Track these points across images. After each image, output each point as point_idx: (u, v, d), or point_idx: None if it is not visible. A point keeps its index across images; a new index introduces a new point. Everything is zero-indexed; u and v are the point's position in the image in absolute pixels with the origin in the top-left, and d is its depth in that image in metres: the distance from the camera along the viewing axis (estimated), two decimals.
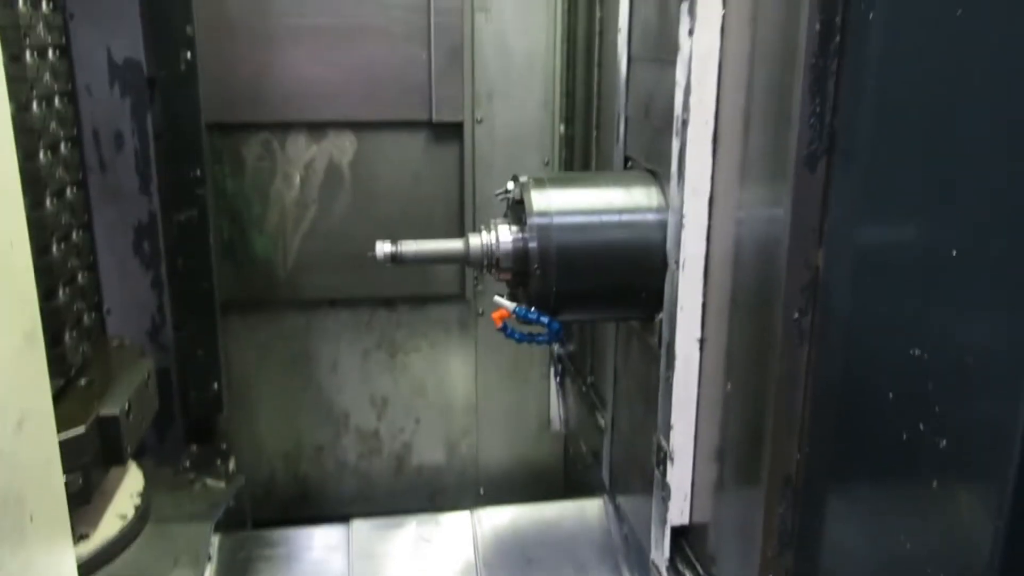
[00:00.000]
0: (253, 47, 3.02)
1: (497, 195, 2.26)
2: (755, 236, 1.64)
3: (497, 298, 2.16)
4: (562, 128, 3.25)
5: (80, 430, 2.17)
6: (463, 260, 2.14)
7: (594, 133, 2.85)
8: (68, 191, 2.43)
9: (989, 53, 1.00)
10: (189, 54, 2.87)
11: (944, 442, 1.05)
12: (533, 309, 2.07)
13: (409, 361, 3.54)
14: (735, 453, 1.77)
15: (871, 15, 1.23)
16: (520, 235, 2.06)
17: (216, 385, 3.19)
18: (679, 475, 1.93)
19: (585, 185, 2.21)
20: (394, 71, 3.08)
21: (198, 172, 3.00)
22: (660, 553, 2.02)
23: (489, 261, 2.10)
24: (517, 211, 2.12)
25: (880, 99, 1.23)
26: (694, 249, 1.83)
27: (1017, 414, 0.94)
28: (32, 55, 2.19)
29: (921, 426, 1.09)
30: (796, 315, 1.40)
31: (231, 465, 3.10)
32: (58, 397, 2.25)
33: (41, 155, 2.22)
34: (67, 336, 2.35)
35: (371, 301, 3.43)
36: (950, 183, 1.07)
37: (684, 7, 1.76)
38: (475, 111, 3.19)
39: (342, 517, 3.00)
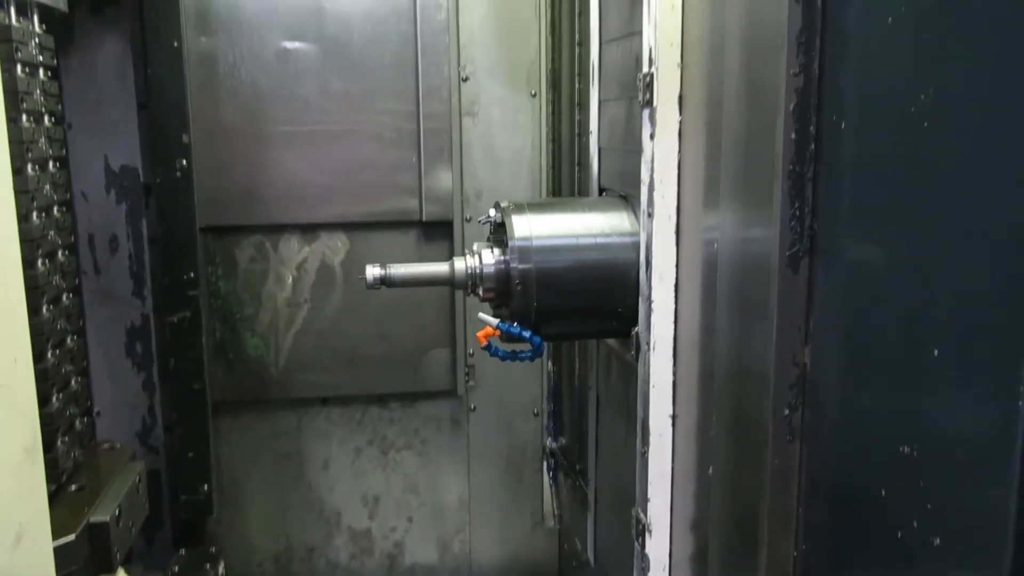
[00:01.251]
0: (247, 152, 3.09)
1: (481, 221, 2.35)
2: (724, 320, 1.68)
3: (481, 315, 2.24)
4: None
5: (70, 538, 2.14)
6: (449, 282, 2.23)
7: None
8: (64, 297, 2.45)
9: (955, 160, 1.05)
10: (185, 161, 2.95)
11: (938, 540, 1.06)
12: (515, 324, 2.15)
13: (401, 458, 3.52)
14: (724, 546, 1.76)
15: (843, 124, 1.29)
16: (502, 257, 2.17)
17: (206, 487, 3.16)
18: (657, 547, 2.00)
19: (562, 210, 2.33)
20: (385, 173, 3.16)
21: (192, 274, 3.04)
22: None
23: (473, 282, 2.20)
24: (499, 235, 2.23)
25: (856, 201, 1.28)
26: (663, 332, 1.95)
27: (1008, 511, 0.96)
28: (34, 167, 2.24)
29: (915, 523, 1.10)
30: (786, 412, 1.41)
31: (220, 569, 3.04)
32: (49, 502, 2.22)
33: (39, 264, 2.24)
34: (59, 442, 2.34)
35: (363, 398, 3.43)
36: (929, 283, 1.10)
37: (645, 113, 1.91)
38: (464, 210, 3.25)
39: None
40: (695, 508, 1.92)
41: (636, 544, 2.08)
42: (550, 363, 3.40)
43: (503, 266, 2.17)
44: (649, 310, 1.96)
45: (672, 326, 1.96)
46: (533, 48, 3.25)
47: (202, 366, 3.11)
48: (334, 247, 3.24)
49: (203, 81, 3.01)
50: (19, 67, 2.18)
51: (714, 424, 1.81)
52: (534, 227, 2.17)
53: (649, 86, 1.94)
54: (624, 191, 2.28)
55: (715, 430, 1.81)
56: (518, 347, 2.21)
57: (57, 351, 2.36)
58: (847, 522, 1.30)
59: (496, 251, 2.20)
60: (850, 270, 1.30)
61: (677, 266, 1.95)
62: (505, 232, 2.17)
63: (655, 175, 1.91)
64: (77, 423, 2.51)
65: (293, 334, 3.28)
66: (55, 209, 2.40)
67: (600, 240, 2.19)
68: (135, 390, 3.12)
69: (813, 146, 1.35)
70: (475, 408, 3.47)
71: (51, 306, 2.33)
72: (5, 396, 1.23)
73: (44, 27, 2.38)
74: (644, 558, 2.02)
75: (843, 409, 1.32)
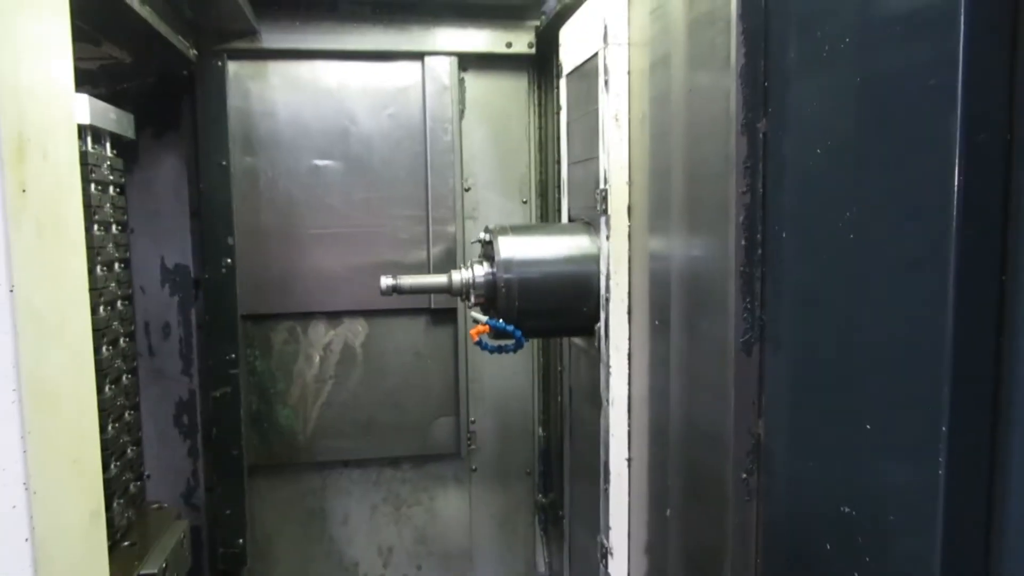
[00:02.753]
0: (282, 251, 3.13)
1: (474, 243, 2.56)
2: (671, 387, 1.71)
3: (473, 313, 2.39)
4: None
5: None
6: (448, 290, 2.39)
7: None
8: (124, 377, 2.45)
9: (877, 265, 1.09)
10: (229, 259, 2.99)
11: None
12: (502, 320, 2.30)
13: (412, 513, 3.47)
14: None
15: (784, 234, 1.33)
16: (490, 270, 2.33)
17: (242, 540, 3.11)
18: (617, 567, 2.14)
19: (539, 233, 2.51)
20: (399, 269, 3.19)
21: (233, 355, 3.05)
22: None
23: (467, 291, 2.36)
24: (488, 251, 2.39)
25: (797, 296, 1.32)
26: (619, 392, 2.16)
27: (934, 562, 0.97)
28: (102, 268, 2.27)
29: (855, 575, 1.10)
30: (744, 475, 1.43)
31: None
32: None
33: (104, 349, 2.26)
34: (115, 503, 2.32)
35: (379, 461, 3.40)
36: (860, 367, 1.13)
37: (603, 220, 2.15)
38: None
39: None
40: (647, 535, 2.06)
41: (601, 565, 2.20)
42: (540, 428, 3.40)
43: (491, 277, 2.32)
44: (608, 372, 2.18)
45: (626, 387, 2.16)
46: (524, 164, 3.33)
47: (240, 434, 3.10)
48: (355, 331, 3.26)
49: (246, 192, 3.08)
50: (93, 185, 2.24)
51: (669, 474, 1.88)
52: (516, 245, 2.33)
53: (605, 199, 2.16)
54: (588, 218, 2.46)
55: (671, 480, 1.87)
56: (503, 343, 2.37)
57: (116, 424, 2.36)
58: (799, 573, 1.30)
59: (485, 265, 2.35)
60: (795, 354, 1.33)
61: (629, 338, 2.15)
62: (493, 249, 2.33)
63: (611, 266, 2.16)
64: (131, 487, 2.49)
65: (319, 406, 3.27)
66: (119, 302, 2.43)
67: (567, 255, 2.37)
68: (181, 455, 3.10)
69: (760, 251, 1.39)
70: (476, 468, 3.44)
71: (112, 385, 2.34)
72: (77, 469, 1.24)
73: (115, 151, 2.44)
74: None
75: (792, 473, 1.34)
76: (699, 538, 1.68)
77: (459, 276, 2.36)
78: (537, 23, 3.08)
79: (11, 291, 0.98)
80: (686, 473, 1.78)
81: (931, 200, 0.98)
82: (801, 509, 1.30)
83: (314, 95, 3.11)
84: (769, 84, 1.36)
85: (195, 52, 2.87)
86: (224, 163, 2.97)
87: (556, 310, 2.36)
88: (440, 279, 2.40)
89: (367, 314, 3.24)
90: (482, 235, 2.44)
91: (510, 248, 2.33)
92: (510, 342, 2.34)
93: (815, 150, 1.22)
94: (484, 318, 2.33)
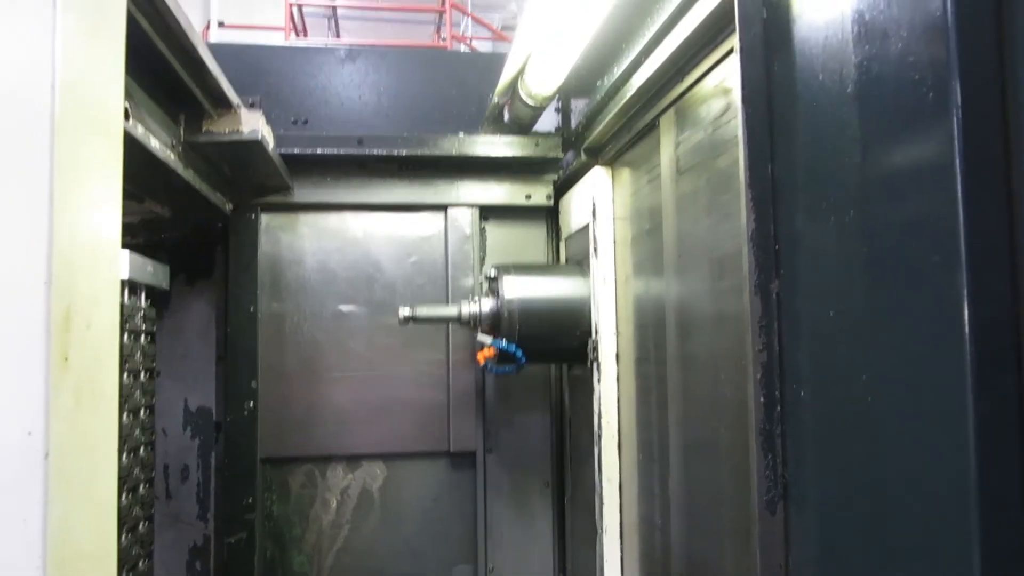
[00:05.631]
0: (304, 394, 3.15)
1: (481, 280, 3.00)
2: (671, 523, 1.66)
3: (480, 335, 2.72)
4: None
5: None
6: (459, 320, 2.76)
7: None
8: (141, 525, 2.42)
9: (895, 426, 1.08)
10: (252, 403, 3.01)
11: None
12: (505, 342, 2.65)
13: None
14: None
15: (802, 392, 1.34)
16: (496, 304, 2.72)
17: None
18: None
19: (540, 273, 2.85)
20: (419, 412, 3.20)
21: (250, 500, 3.01)
22: None
23: (475, 320, 2.74)
24: (493, 287, 2.77)
25: (819, 454, 1.31)
26: (611, 520, 2.51)
27: None
28: (127, 415, 2.29)
29: None
30: None
31: None
32: None
33: (123, 497, 2.24)
34: None
35: None
36: (887, 528, 1.11)
37: (593, 366, 2.59)
38: (486, 442, 3.26)
39: None
40: None
41: None
42: (560, 574, 3.29)
43: (496, 309, 2.71)
44: (602, 498, 2.54)
45: (618, 516, 2.48)
46: None
47: None
48: (373, 474, 3.22)
49: (271, 336, 3.13)
50: (126, 335, 2.29)
51: None
52: (518, 283, 2.74)
53: (595, 348, 2.56)
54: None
55: None
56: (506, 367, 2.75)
57: (131, 575, 2.30)
58: None
59: (491, 298, 2.74)
60: (820, 511, 1.30)
61: (620, 471, 2.48)
62: (498, 285, 2.71)
63: (601, 406, 2.53)
64: None
65: (335, 552, 3.19)
66: (141, 449, 2.43)
67: (562, 288, 2.76)
68: None
69: (779, 408, 1.39)
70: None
71: (129, 534, 2.30)
72: None
73: (148, 301, 2.52)
74: None
75: None
76: None
77: (467, 308, 2.75)
78: (555, 177, 3.22)
79: (45, 458, 1.00)
80: None
81: (942, 362, 0.99)
82: None
83: (341, 244, 3.22)
84: (780, 247, 1.40)
85: (231, 206, 3.01)
86: (252, 309, 3.05)
87: (552, 334, 2.71)
88: (451, 310, 2.78)
89: (386, 457, 3.22)
90: (490, 272, 2.80)
91: (513, 283, 2.73)
92: (512, 365, 2.69)
93: (828, 312, 1.25)
94: (490, 340, 2.66)
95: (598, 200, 2.62)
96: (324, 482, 3.21)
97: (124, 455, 2.27)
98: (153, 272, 2.48)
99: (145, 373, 2.47)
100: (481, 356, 2.68)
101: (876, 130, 1.15)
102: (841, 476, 1.24)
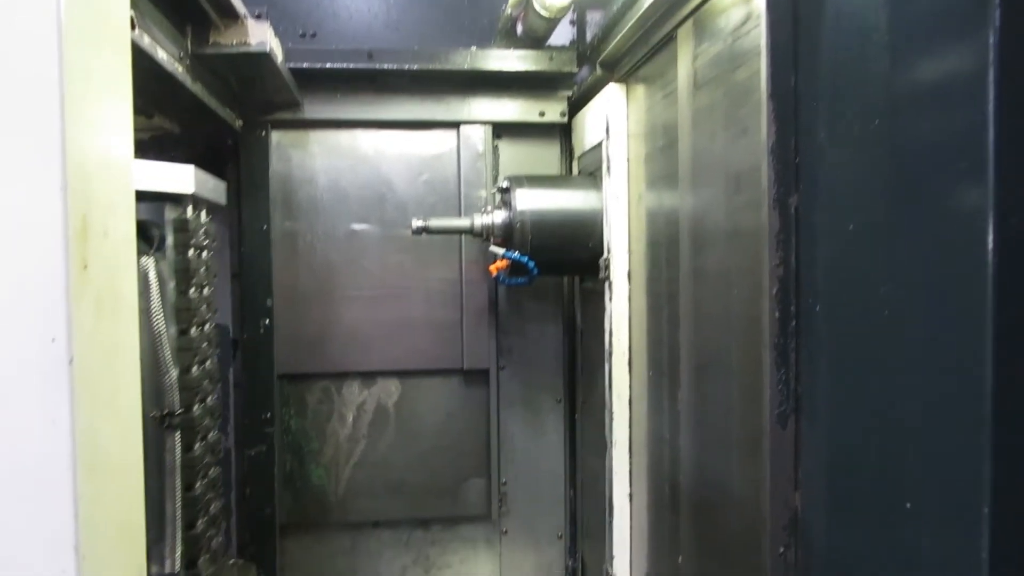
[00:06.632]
0: (318, 313, 3.18)
1: (493, 192, 2.96)
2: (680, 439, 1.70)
3: (492, 247, 2.74)
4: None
5: None
6: (471, 231, 2.79)
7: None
8: (210, 435, 2.44)
9: (912, 341, 1.08)
10: (267, 320, 3.04)
11: None
12: (518, 253, 2.67)
13: None
14: None
15: (817, 307, 1.33)
16: (508, 215, 2.73)
17: None
18: None
19: (552, 185, 2.85)
20: (433, 329, 3.23)
21: (269, 414, 3.08)
22: None
23: (487, 232, 2.75)
24: (506, 198, 2.77)
25: (832, 369, 1.31)
26: (621, 435, 2.60)
27: None
28: (196, 329, 2.27)
29: None
30: (781, 550, 1.40)
31: None
32: None
33: (196, 408, 2.26)
34: (201, 560, 2.31)
35: (409, 522, 3.38)
36: (899, 441, 1.12)
37: (606, 284, 2.61)
38: (499, 360, 3.29)
39: None
40: (647, 564, 2.43)
41: None
42: (571, 490, 3.36)
43: (508, 220, 2.72)
44: (611, 419, 2.60)
45: (628, 431, 2.54)
46: None
47: (274, 493, 3.11)
48: (388, 391, 3.28)
49: (285, 255, 3.14)
50: (191, 251, 2.25)
51: (682, 524, 2.09)
52: (529, 195, 2.74)
53: (608, 266, 2.59)
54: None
55: (682, 529, 2.09)
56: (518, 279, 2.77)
57: (203, 480, 2.34)
58: None
59: (503, 210, 2.75)
60: (831, 426, 1.32)
61: (630, 387, 2.55)
62: (510, 196, 2.72)
63: (612, 324, 2.58)
64: (214, 542, 2.46)
65: (351, 466, 3.27)
66: (208, 362, 2.43)
67: (574, 200, 2.77)
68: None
69: (794, 323, 1.39)
70: (507, 531, 3.40)
71: (202, 440, 2.32)
72: (123, 535, 1.25)
73: (209, 217, 2.43)
74: None
75: (830, 547, 1.31)
76: None
77: (480, 219, 2.77)
78: (570, 93, 3.15)
79: (70, 363, 1.01)
80: (701, 526, 1.90)
81: (964, 276, 0.98)
82: None
83: (352, 162, 3.19)
84: (800, 160, 1.38)
85: (241, 123, 2.97)
86: (265, 227, 3.05)
87: (564, 245, 2.73)
88: (464, 222, 2.80)
89: (400, 374, 3.26)
90: (503, 183, 2.79)
91: (525, 195, 2.73)
92: (524, 277, 2.72)
93: (847, 226, 1.23)
94: (502, 251, 2.69)
95: (612, 118, 2.57)
96: (340, 398, 3.27)
97: (195, 367, 2.27)
98: (214, 188, 2.44)
99: (208, 288, 2.46)
100: (493, 268, 2.71)
101: (906, 36, 1.11)
102: (853, 390, 1.25)
